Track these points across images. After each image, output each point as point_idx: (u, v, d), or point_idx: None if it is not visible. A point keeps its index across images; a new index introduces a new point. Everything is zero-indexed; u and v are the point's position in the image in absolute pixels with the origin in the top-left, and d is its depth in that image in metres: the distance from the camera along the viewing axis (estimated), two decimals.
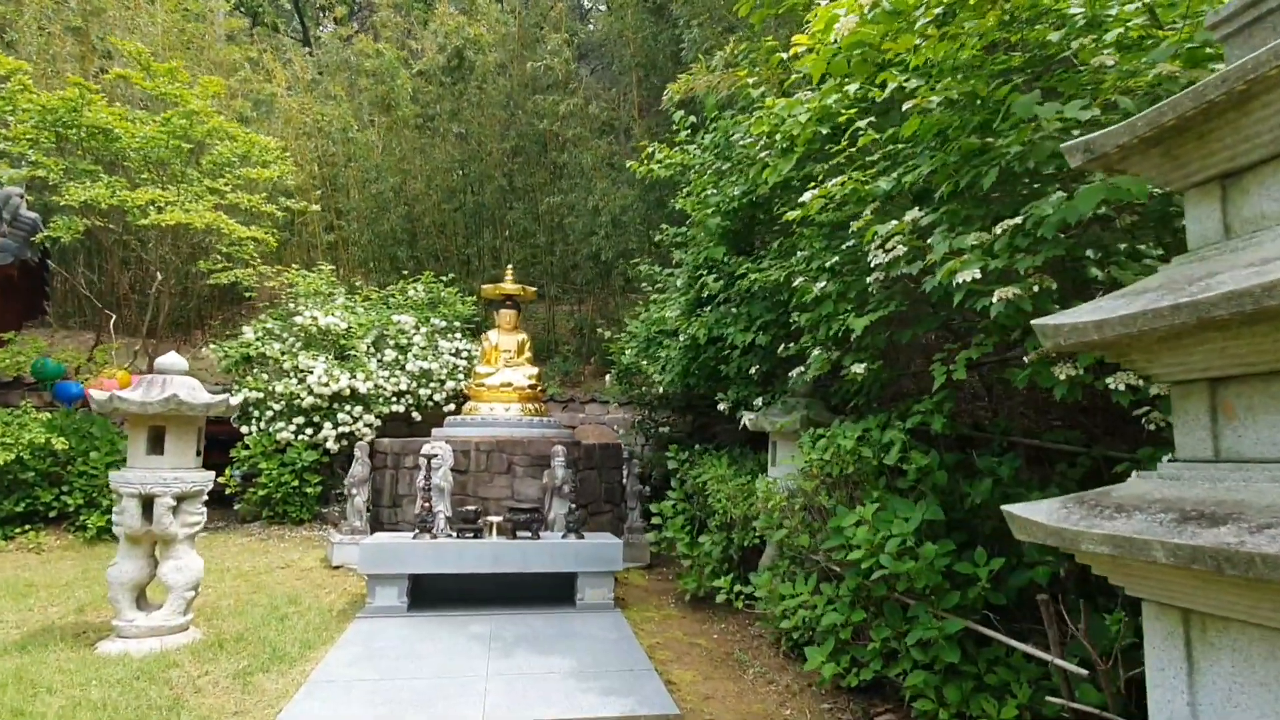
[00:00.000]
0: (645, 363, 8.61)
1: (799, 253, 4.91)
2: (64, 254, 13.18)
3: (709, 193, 6.21)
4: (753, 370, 5.94)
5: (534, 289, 8.92)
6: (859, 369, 4.09)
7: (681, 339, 6.84)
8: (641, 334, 8.44)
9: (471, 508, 6.26)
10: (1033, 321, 1.59)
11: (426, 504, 6.09)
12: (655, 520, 6.93)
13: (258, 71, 13.73)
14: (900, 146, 3.99)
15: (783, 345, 5.42)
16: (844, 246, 4.26)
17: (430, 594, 6.20)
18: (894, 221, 3.54)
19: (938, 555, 3.54)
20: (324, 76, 14.35)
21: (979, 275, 2.67)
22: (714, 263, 6.10)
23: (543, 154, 14.29)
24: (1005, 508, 1.58)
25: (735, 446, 8.76)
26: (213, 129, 9.60)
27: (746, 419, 5.95)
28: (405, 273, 12.22)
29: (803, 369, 5.01)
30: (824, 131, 4.43)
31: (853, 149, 4.03)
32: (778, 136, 4.82)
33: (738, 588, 5.29)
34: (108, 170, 10.21)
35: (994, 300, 2.61)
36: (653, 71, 11.73)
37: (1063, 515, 1.44)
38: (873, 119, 3.98)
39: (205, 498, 5.23)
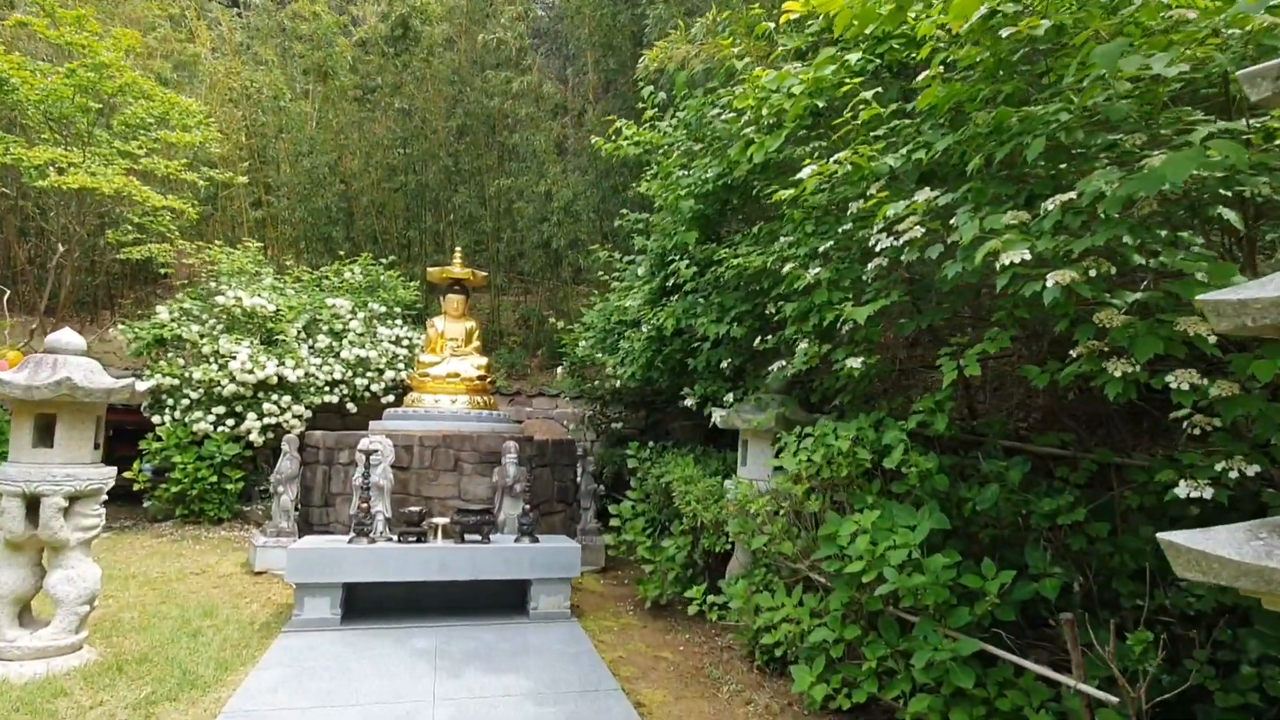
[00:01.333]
0: (601, 355, 8.17)
1: (782, 238, 4.57)
2: None
3: (679, 174, 5.81)
4: (723, 364, 5.58)
5: (484, 274, 8.35)
6: (855, 364, 3.76)
7: (644, 330, 6.43)
8: (598, 325, 8.00)
9: (415, 508, 5.71)
10: (1201, 298, 1.25)
11: (365, 504, 5.51)
12: (614, 522, 6.51)
13: (179, 30, 12.61)
14: (907, 122, 3.68)
15: (759, 338, 5.08)
16: (839, 230, 3.93)
17: (367, 604, 5.63)
18: (904, 202, 3.21)
19: (944, 568, 3.24)
20: (254, 40, 13.31)
21: (1028, 256, 2.35)
22: (686, 248, 5.70)
23: (491, 135, 13.63)
24: (1164, 537, 1.24)
25: (695, 444, 8.41)
26: (126, 85, 8.63)
27: (717, 416, 5.59)
28: (342, 254, 11.42)
29: (784, 363, 4.68)
30: (820, 105, 4.09)
31: (855, 123, 3.69)
32: (764, 111, 4.45)
33: (711, 598, 4.92)
34: (4, 128, 9.12)
35: (1048, 284, 2.29)
36: (609, 53, 11.24)
37: (1262, 551, 1.11)
38: (878, 90, 3.64)
39: (104, 497, 4.54)
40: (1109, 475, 3.66)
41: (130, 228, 9.66)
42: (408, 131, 13.11)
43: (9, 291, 10.62)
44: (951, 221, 2.90)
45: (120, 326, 9.02)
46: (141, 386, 4.59)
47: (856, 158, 3.46)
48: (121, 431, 10.01)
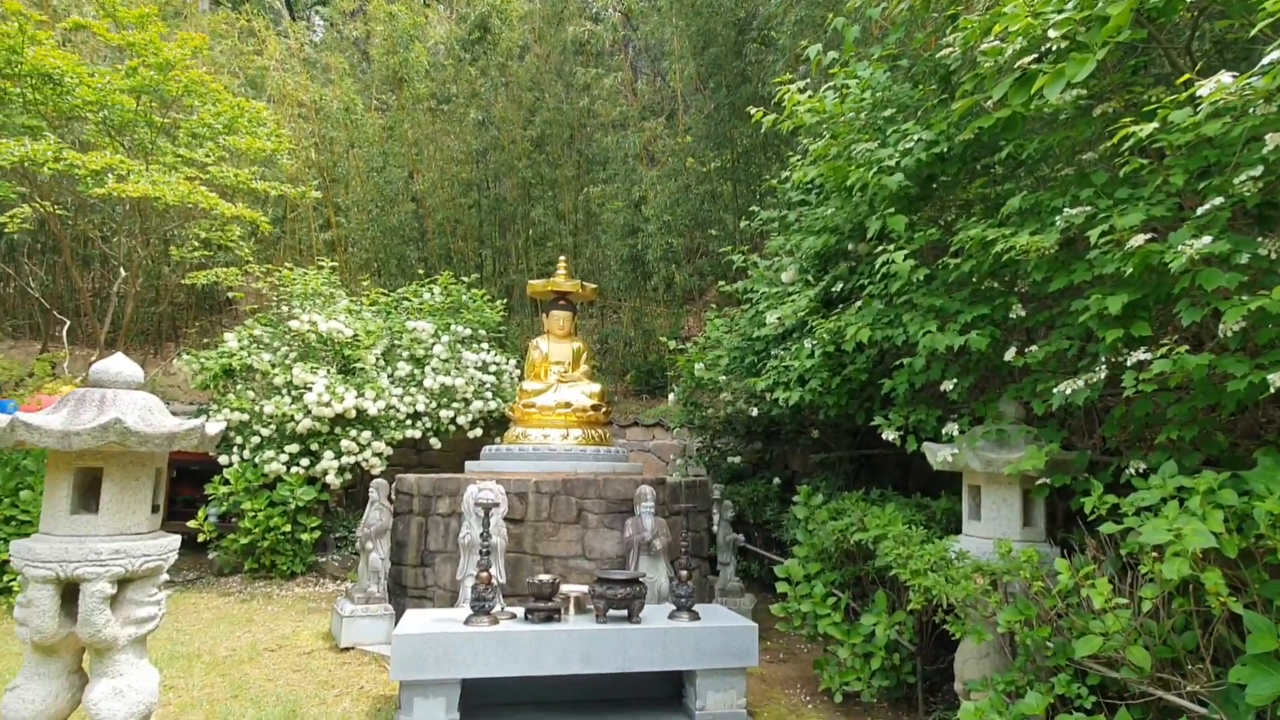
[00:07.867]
0: (727, 377, 6.95)
1: (1067, 210, 3.25)
2: (13, 248, 11.29)
3: (870, 148, 4.52)
4: (948, 386, 4.23)
5: (594, 286, 7.18)
6: None
7: (809, 344, 5.14)
8: (730, 343, 6.72)
9: (545, 577, 4.47)
10: None
11: (486, 574, 4.28)
12: (781, 586, 5.17)
13: (245, 43, 11.96)
14: None
15: (1014, 350, 3.76)
16: (1235, 181, 2.59)
17: (482, 696, 4.40)
18: None
19: None
20: (324, 51, 12.61)
21: None
22: (894, 236, 4.40)
23: (570, 144, 12.63)
24: None
25: (827, 480, 7.03)
26: (191, 86, 7.77)
27: (942, 454, 4.23)
28: (422, 272, 10.44)
29: (1078, 384, 3.32)
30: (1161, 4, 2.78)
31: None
32: (1051, 33, 3.16)
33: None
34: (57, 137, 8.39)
35: None
36: (711, 42, 10.12)
37: None
38: None
39: (165, 576, 3.41)
40: None
41: (196, 244, 8.79)
42: (484, 143, 12.18)
43: (69, 322, 9.88)
44: None
45: (185, 357, 8.10)
46: (213, 428, 3.46)
47: None
48: (185, 472, 9.11)
